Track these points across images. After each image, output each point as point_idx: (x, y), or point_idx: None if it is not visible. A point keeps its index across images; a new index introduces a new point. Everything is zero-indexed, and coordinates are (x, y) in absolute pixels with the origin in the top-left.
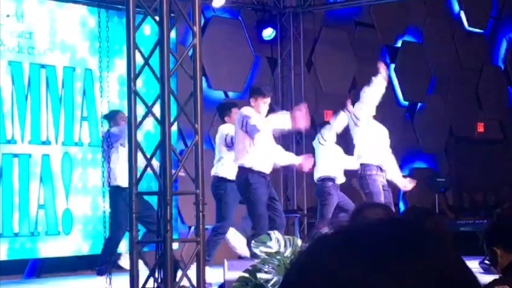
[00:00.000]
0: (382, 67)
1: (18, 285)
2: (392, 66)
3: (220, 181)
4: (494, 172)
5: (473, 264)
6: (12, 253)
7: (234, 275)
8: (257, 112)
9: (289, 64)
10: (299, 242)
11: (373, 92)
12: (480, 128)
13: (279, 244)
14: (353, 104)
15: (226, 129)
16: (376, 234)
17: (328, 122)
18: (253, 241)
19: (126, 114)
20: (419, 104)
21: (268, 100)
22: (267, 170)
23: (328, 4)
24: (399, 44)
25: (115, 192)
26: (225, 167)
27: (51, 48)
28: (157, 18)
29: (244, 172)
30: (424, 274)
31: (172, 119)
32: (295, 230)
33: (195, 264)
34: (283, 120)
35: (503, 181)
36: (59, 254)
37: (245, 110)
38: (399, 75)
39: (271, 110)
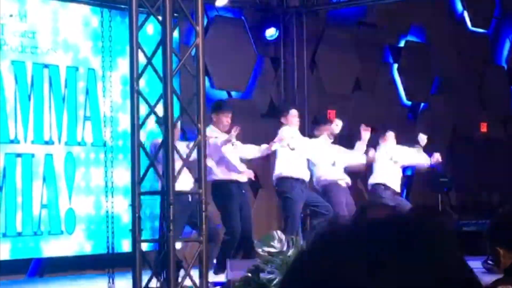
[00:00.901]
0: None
1: (21, 284)
2: (395, 66)
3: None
4: (497, 172)
5: (476, 264)
6: (15, 253)
7: (237, 275)
8: (219, 126)
9: (292, 64)
10: (301, 241)
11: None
12: (483, 128)
13: (282, 244)
14: None
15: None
16: (378, 233)
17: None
18: (256, 241)
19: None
20: (422, 104)
21: (229, 114)
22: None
23: (331, 4)
24: (402, 44)
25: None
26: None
27: (54, 48)
28: (160, 17)
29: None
30: (426, 274)
31: (175, 119)
32: (298, 230)
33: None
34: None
35: (506, 181)
36: (62, 253)
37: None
38: (402, 75)
39: (273, 110)
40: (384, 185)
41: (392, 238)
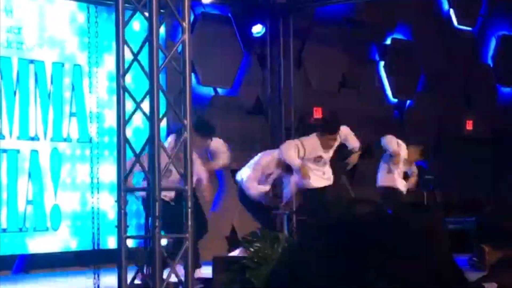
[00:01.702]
0: None
1: (6, 281)
2: (382, 63)
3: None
4: (483, 170)
5: (462, 262)
6: (0, 249)
7: (222, 271)
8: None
9: (279, 60)
10: (287, 239)
11: None
12: (469, 125)
13: (267, 240)
14: None
15: None
16: (366, 229)
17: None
18: (241, 238)
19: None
20: (408, 102)
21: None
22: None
23: (318, 1)
24: (388, 41)
25: None
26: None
27: (40, 43)
28: (146, 14)
29: None
30: (413, 270)
31: (161, 115)
32: (284, 228)
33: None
34: None
35: (492, 178)
36: (47, 250)
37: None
38: (389, 73)
39: (260, 107)
40: None
41: (380, 234)
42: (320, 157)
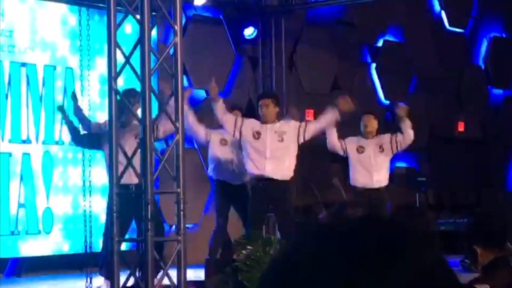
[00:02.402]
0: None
1: None
2: (374, 65)
3: None
4: (475, 171)
5: (454, 263)
6: None
7: (215, 274)
8: None
9: (271, 63)
10: (279, 241)
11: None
12: (461, 127)
13: (260, 243)
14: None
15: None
16: (358, 231)
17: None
18: (234, 240)
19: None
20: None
21: None
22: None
23: (310, 3)
24: (380, 43)
25: None
26: None
27: (31, 46)
28: (138, 16)
29: None
30: (404, 273)
31: (153, 118)
32: (276, 229)
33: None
34: None
35: (483, 180)
36: (39, 253)
37: None
38: (380, 75)
39: (252, 109)
40: None
41: (372, 236)
42: (258, 132)
